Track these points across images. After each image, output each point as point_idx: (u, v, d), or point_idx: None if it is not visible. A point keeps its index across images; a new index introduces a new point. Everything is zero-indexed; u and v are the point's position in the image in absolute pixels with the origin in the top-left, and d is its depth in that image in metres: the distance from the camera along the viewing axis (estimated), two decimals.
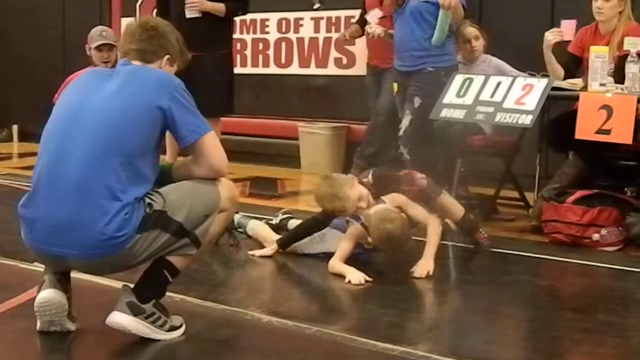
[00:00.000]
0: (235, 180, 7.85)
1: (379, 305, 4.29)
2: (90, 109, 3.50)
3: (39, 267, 3.75)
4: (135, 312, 3.48)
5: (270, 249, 5.22)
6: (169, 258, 3.54)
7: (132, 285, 3.56)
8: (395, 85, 6.62)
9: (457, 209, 5.36)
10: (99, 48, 7.10)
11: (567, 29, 6.08)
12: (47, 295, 3.55)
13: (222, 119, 7.32)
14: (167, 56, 3.78)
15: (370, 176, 5.10)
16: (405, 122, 6.30)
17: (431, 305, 4.32)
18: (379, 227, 4.57)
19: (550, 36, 6.04)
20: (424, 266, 4.71)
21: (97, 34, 7.18)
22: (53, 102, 7.73)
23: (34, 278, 3.86)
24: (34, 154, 8.96)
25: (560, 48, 6.16)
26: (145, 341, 3.52)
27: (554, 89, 5.78)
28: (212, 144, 3.62)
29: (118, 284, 3.81)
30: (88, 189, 3.38)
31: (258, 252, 5.20)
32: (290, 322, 3.90)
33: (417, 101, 6.25)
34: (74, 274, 3.71)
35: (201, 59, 7.34)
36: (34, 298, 3.61)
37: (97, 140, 3.43)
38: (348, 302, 4.48)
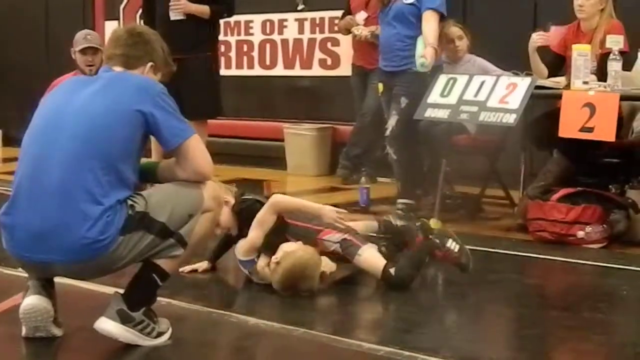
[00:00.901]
0: (221, 182, 7.94)
1: (363, 306, 4.30)
2: (70, 114, 3.49)
3: (24, 273, 3.74)
4: (124, 320, 3.47)
5: (201, 264, 4.84)
6: (157, 261, 3.53)
7: (122, 291, 3.55)
8: (380, 86, 6.64)
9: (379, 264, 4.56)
10: (83, 51, 7.08)
11: (554, 35, 6.12)
12: (32, 301, 3.54)
13: (209, 121, 7.33)
14: (150, 63, 3.77)
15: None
16: (392, 122, 6.31)
17: (416, 305, 4.32)
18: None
19: (537, 37, 6.06)
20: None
21: (82, 38, 7.17)
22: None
23: (19, 284, 3.85)
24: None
25: (544, 47, 6.17)
26: (131, 346, 3.52)
27: (537, 87, 5.80)
28: (196, 148, 3.61)
29: (104, 288, 3.81)
30: (69, 193, 3.37)
31: (188, 268, 4.74)
32: (277, 324, 3.91)
33: (403, 101, 6.26)
34: (59, 279, 3.70)
35: (186, 61, 7.36)
36: (19, 304, 3.60)
37: (77, 144, 3.42)
38: (332, 303, 4.47)
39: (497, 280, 4.79)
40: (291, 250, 4.39)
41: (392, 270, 4.42)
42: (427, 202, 6.51)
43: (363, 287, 4.58)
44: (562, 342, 3.89)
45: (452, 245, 4.50)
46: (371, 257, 4.52)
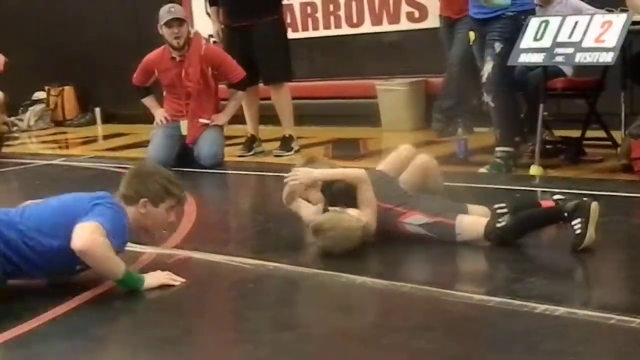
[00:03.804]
0: (316, 144, 7.97)
1: (463, 259, 4.28)
2: None
3: None
4: None
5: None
6: None
7: None
8: (471, 34, 6.51)
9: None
10: (168, 24, 7.17)
11: None
12: None
13: (300, 84, 7.40)
14: (143, 200, 4.06)
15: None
16: (488, 68, 6.17)
17: (522, 254, 4.28)
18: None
19: None
20: None
21: (166, 12, 7.26)
22: (134, 83, 7.87)
23: None
24: (118, 134, 9.04)
25: None
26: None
27: (634, 23, 5.64)
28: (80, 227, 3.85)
29: None
30: None
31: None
32: (385, 281, 3.92)
33: (498, 46, 6.12)
34: None
35: (254, 27, 7.53)
36: None
37: None
38: (432, 257, 4.44)
39: (605, 223, 4.68)
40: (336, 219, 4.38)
41: (497, 225, 4.29)
42: (527, 149, 6.42)
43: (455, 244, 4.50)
44: None
45: (578, 225, 4.16)
46: (472, 224, 4.38)
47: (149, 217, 4.09)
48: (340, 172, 4.64)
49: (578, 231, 4.13)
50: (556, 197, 4.47)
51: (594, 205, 4.16)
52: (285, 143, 7.78)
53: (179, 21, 7.27)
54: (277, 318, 3.61)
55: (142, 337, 3.51)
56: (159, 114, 7.57)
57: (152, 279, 4.01)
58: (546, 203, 4.47)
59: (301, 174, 4.58)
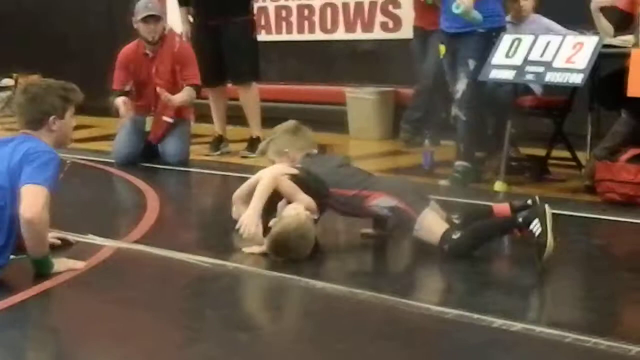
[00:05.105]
0: None
1: (424, 269, 4.28)
2: None
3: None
4: None
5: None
6: None
7: None
8: (442, 48, 6.53)
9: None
10: (145, 20, 7.13)
11: None
12: None
13: (270, 87, 7.39)
14: (52, 117, 4.11)
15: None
16: (462, 85, 6.18)
17: (481, 268, 4.29)
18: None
19: None
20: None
21: (143, 7, 7.22)
22: (115, 88, 7.59)
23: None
24: (86, 126, 8.87)
25: (610, 7, 6.04)
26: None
27: (604, 46, 5.69)
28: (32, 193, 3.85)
29: None
30: None
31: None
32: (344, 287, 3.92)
33: (471, 64, 6.14)
34: None
35: (226, 27, 7.50)
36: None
37: None
38: (395, 265, 4.45)
39: (566, 243, 4.72)
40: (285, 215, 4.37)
41: (453, 237, 4.31)
42: (492, 165, 6.45)
43: (424, 248, 4.53)
44: (633, 303, 3.84)
45: (536, 227, 4.16)
46: (432, 226, 4.39)
47: (60, 131, 4.18)
48: (258, 185, 4.56)
49: (538, 232, 4.12)
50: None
51: (547, 206, 4.21)
52: (252, 144, 7.75)
53: (155, 18, 7.23)
54: (232, 318, 3.59)
55: (92, 331, 3.47)
56: (125, 108, 7.33)
57: (60, 264, 4.05)
58: (500, 208, 4.51)
59: (245, 221, 4.46)
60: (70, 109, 4.20)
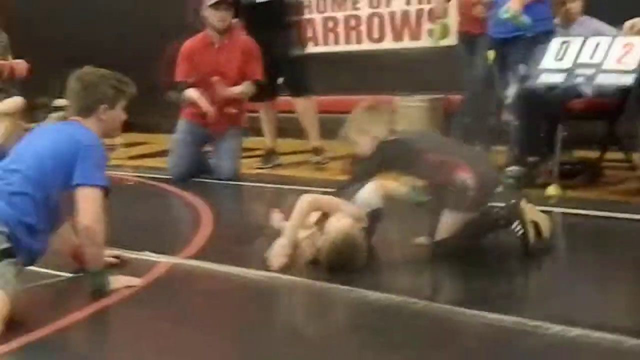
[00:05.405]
0: (334, 158, 7.95)
1: (486, 276, 4.26)
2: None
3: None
4: None
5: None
6: None
7: None
8: (491, 53, 6.51)
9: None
10: (215, 6, 7.00)
11: None
12: None
13: (320, 98, 7.40)
14: (104, 106, 4.12)
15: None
16: (512, 90, 6.17)
17: (542, 274, 4.26)
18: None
19: None
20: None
21: None
22: (178, 79, 7.44)
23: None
24: (139, 143, 8.95)
25: None
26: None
27: None
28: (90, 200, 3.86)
29: None
30: None
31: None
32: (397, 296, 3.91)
33: (522, 68, 6.12)
34: None
35: (275, 40, 7.45)
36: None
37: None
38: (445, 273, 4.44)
39: (623, 246, 4.68)
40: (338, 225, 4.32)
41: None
42: (546, 169, 6.40)
43: (480, 256, 4.51)
44: None
45: (518, 227, 4.32)
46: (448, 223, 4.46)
47: (109, 121, 4.19)
48: (294, 211, 4.51)
49: (520, 232, 4.31)
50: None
51: (523, 203, 4.32)
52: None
53: (226, 4, 7.16)
54: (288, 331, 3.60)
55: (149, 348, 3.51)
56: (205, 103, 7.20)
57: (117, 281, 4.06)
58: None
59: (275, 252, 4.44)
60: (121, 100, 4.21)
